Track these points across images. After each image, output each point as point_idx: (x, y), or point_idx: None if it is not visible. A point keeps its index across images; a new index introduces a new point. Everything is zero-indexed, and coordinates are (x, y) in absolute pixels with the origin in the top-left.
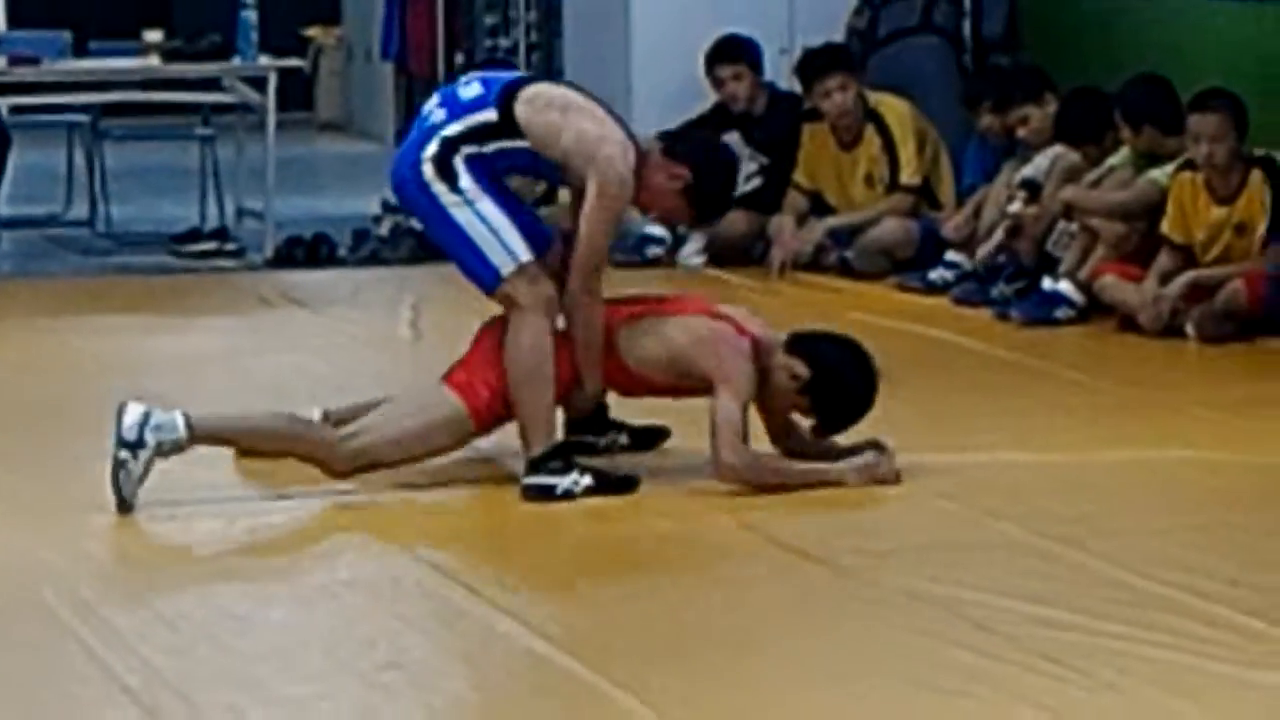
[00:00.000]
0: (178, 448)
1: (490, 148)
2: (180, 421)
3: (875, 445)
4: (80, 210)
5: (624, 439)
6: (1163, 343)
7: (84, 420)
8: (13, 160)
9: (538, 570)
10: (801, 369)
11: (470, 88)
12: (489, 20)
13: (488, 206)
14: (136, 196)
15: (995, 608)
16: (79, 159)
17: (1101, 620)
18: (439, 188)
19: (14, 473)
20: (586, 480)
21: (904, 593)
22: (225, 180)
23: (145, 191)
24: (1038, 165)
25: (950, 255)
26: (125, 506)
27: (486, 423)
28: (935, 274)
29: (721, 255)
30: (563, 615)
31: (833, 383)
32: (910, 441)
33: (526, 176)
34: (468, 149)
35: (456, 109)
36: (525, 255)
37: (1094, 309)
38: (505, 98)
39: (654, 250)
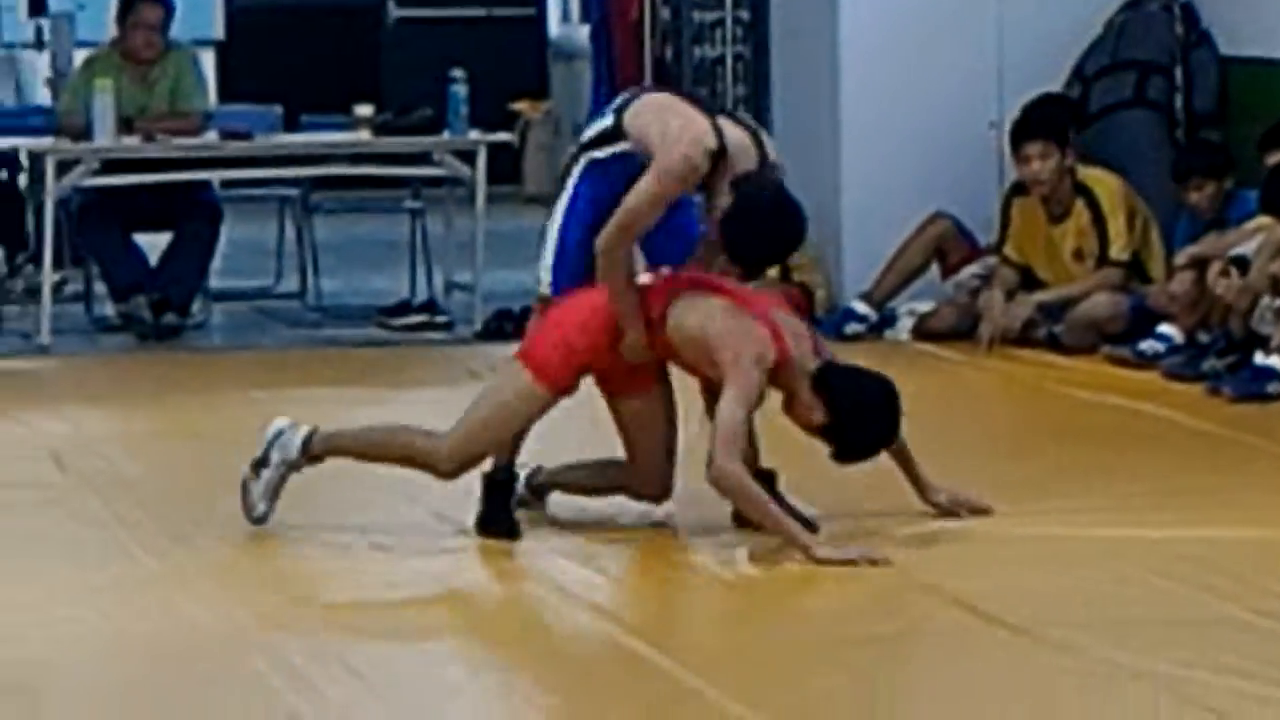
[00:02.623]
0: (295, 466)
1: (605, 152)
2: (298, 439)
3: (977, 508)
4: (290, 283)
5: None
6: None
7: (291, 494)
8: (224, 234)
9: (741, 648)
10: (820, 415)
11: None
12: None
13: (555, 226)
14: (346, 270)
15: (1208, 685)
16: (289, 232)
17: None
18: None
19: (224, 544)
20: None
21: (1113, 667)
22: (434, 253)
23: (354, 265)
24: (1248, 245)
25: (1162, 328)
26: (256, 522)
27: (560, 383)
28: (1146, 344)
29: (932, 331)
30: (766, 690)
31: (848, 432)
32: (1123, 517)
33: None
34: (591, 154)
35: (589, 122)
36: (545, 289)
37: None
38: (621, 108)
39: (854, 327)
